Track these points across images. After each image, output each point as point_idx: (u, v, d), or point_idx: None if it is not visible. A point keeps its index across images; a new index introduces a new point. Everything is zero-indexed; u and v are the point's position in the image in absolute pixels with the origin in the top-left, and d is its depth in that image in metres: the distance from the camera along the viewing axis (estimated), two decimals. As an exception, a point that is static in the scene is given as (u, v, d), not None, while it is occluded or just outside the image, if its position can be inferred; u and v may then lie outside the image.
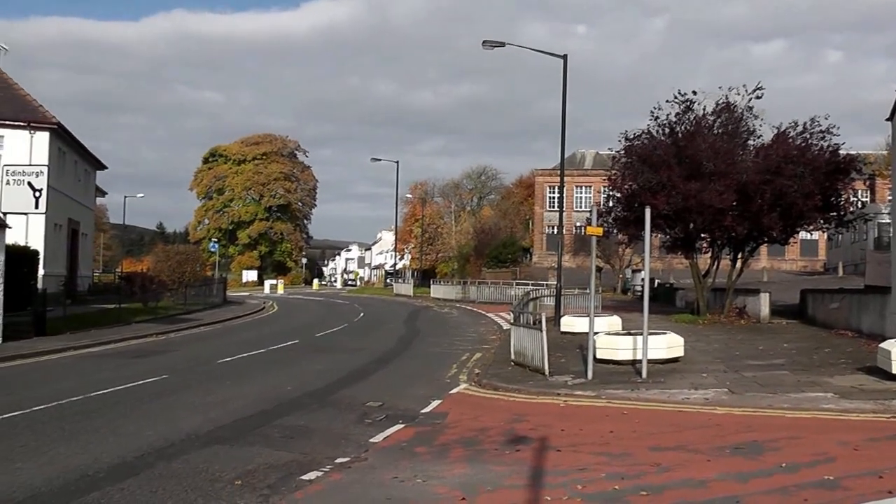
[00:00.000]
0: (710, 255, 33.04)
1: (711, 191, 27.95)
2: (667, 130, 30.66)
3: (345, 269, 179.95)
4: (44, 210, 30.53)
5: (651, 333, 18.58)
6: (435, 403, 15.62)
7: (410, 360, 23.64)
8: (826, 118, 29.71)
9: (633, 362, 18.76)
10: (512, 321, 23.94)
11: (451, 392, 17.21)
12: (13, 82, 45.05)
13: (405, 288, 78.53)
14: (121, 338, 28.75)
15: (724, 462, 10.31)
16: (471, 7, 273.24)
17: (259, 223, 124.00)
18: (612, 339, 20.03)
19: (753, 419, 13.35)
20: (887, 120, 25.20)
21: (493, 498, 8.89)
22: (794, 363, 19.38)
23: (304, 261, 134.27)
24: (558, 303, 34.07)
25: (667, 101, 30.86)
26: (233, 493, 9.16)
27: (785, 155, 28.43)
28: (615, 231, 34.88)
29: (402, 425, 13.33)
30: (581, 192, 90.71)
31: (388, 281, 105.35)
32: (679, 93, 30.67)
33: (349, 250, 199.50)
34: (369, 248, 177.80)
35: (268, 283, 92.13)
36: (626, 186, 31.40)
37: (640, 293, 53.27)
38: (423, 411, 14.79)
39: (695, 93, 30.64)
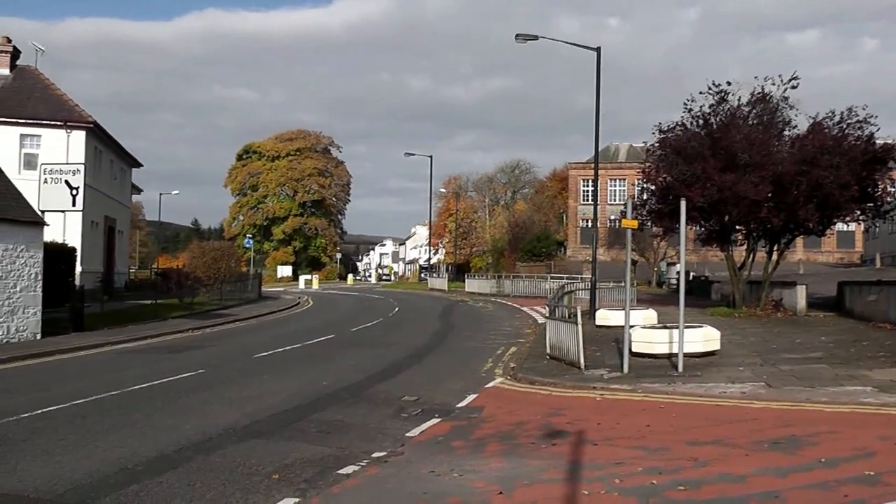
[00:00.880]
0: (745, 247, 32.77)
1: (746, 182, 27.72)
2: (701, 122, 30.43)
3: (379, 264, 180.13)
4: (81, 208, 30.90)
5: (687, 327, 18.49)
6: (471, 398, 15.63)
7: (445, 354, 23.64)
8: (864, 108, 29.37)
9: (669, 356, 18.67)
10: (547, 315, 23.89)
11: (487, 386, 17.22)
12: (50, 83, 45.56)
13: (439, 282, 78.52)
14: (157, 333, 28.96)
15: (762, 457, 10.22)
16: (503, 1, 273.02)
17: (293, 219, 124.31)
18: (647, 333, 19.92)
19: (791, 413, 13.23)
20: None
21: (531, 492, 8.87)
22: (831, 356, 19.17)
23: (339, 256, 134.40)
24: (593, 296, 33.92)
25: (700, 93, 30.63)
26: (270, 487, 9.20)
27: (821, 145, 28.14)
28: (650, 224, 34.68)
29: (438, 419, 13.35)
30: (615, 185, 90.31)
31: (422, 275, 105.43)
32: (713, 84, 30.45)
33: (383, 245, 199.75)
34: (403, 243, 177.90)
35: (302, 278, 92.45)
36: (660, 179, 31.20)
37: (675, 286, 53.07)
38: (459, 405, 14.79)
39: (729, 84, 30.42)
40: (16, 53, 46.17)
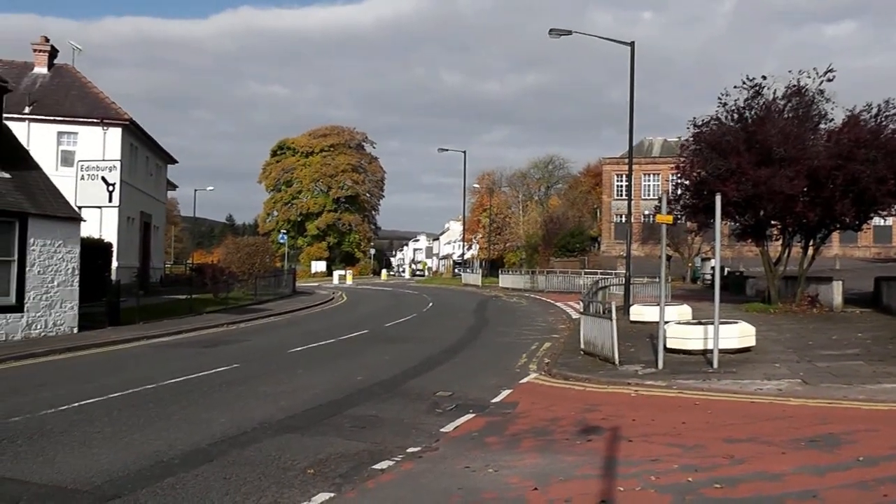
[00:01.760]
0: (780, 242, 32.56)
1: (782, 177, 27.51)
2: (735, 116, 30.23)
3: (413, 260, 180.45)
4: (117, 204, 31.17)
5: (722, 322, 18.40)
6: (505, 393, 15.63)
7: (480, 349, 23.64)
8: None
9: (704, 352, 18.59)
10: (581, 310, 23.85)
11: (521, 382, 17.20)
12: (87, 81, 46.15)
13: (473, 278, 78.52)
14: (192, 328, 29.16)
15: (799, 455, 10.14)
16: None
17: (327, 214, 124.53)
18: (682, 329, 19.84)
19: (828, 411, 13.13)
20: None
21: (566, 488, 8.84)
22: (869, 353, 19.01)
23: (373, 251, 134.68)
24: (627, 292, 33.86)
25: (734, 87, 30.43)
26: (305, 482, 9.23)
27: (857, 139, 27.86)
28: (684, 219, 34.52)
29: (473, 415, 13.35)
30: (649, 180, 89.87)
31: (456, 271, 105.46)
32: (747, 78, 30.23)
33: (417, 240, 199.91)
34: (437, 239, 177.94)
35: (336, 273, 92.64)
36: (694, 174, 31.03)
37: (709, 282, 52.84)
38: (494, 401, 14.79)
39: (764, 77, 30.19)
40: (53, 52, 46.87)
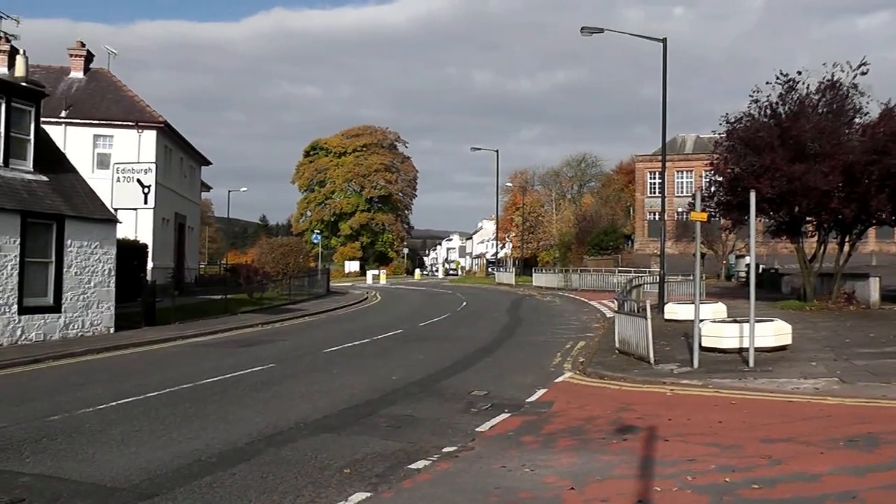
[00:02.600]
0: (816, 238, 32.34)
1: (816, 172, 27.31)
2: (769, 112, 30.04)
3: (446, 259, 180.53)
4: (152, 205, 31.41)
5: (757, 320, 18.28)
6: (540, 392, 15.61)
7: (514, 348, 23.62)
8: None
9: (740, 350, 18.49)
10: (615, 309, 23.78)
11: (556, 381, 17.17)
12: (122, 84, 46.65)
13: (507, 277, 78.42)
14: (227, 327, 29.33)
15: (837, 455, 10.05)
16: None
17: (361, 214, 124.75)
18: (717, 327, 19.73)
19: (867, 410, 13.01)
20: None
21: (603, 488, 8.82)
22: (907, 351, 18.85)
23: (406, 251, 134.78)
24: (662, 290, 33.72)
25: (767, 83, 30.25)
26: (342, 482, 9.25)
27: (893, 133, 27.61)
28: (718, 216, 34.33)
29: (508, 414, 13.35)
30: (682, 178, 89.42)
31: (489, 270, 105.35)
32: (781, 73, 30.04)
33: (450, 240, 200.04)
34: (470, 238, 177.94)
35: (370, 273, 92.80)
36: (728, 170, 30.86)
37: (744, 279, 52.51)
38: (529, 400, 14.77)
39: (799, 73, 29.97)
40: (89, 57, 47.44)
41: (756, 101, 30.30)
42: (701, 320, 18.77)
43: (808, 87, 29.83)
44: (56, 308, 24.34)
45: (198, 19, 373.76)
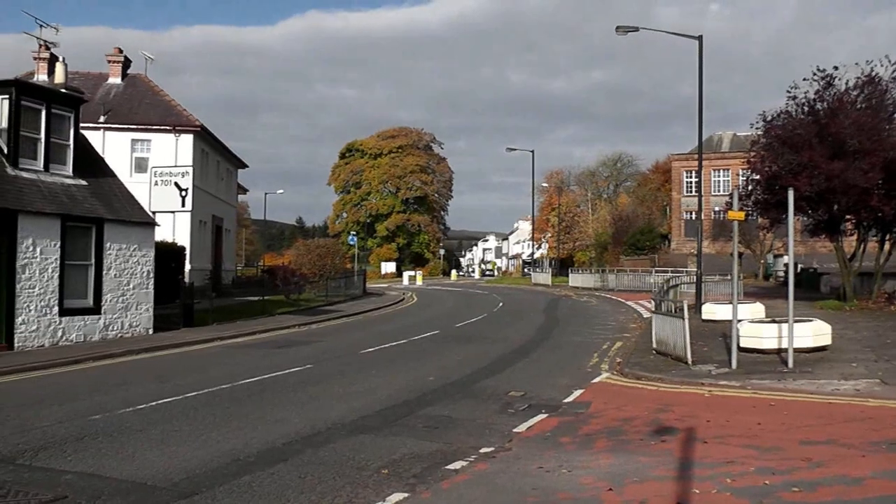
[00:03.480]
0: (855, 237, 32.01)
1: (856, 169, 27.04)
2: (806, 109, 29.77)
3: (482, 260, 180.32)
4: (189, 208, 31.66)
5: (796, 321, 18.12)
6: (577, 393, 15.58)
7: (551, 349, 23.58)
8: None
9: (779, 351, 18.34)
10: (653, 309, 23.69)
11: (593, 381, 17.13)
12: (159, 89, 47.11)
13: (543, 277, 78.32)
14: (265, 329, 29.47)
15: (880, 458, 9.94)
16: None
17: (396, 215, 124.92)
18: (755, 327, 19.58)
19: (909, 412, 12.88)
20: None
21: (641, 489, 8.79)
22: (950, 351, 18.63)
23: (442, 252, 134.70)
24: (699, 290, 33.51)
25: (804, 79, 29.96)
26: (380, 482, 9.29)
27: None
28: (755, 215, 34.06)
29: (546, 415, 13.34)
30: (719, 176, 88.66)
31: (525, 270, 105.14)
32: (818, 69, 29.75)
33: (486, 240, 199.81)
34: (506, 238, 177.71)
35: (406, 274, 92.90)
36: (765, 168, 30.61)
37: (782, 279, 52.12)
38: (566, 401, 14.75)
39: (836, 68, 29.68)
40: (127, 63, 48.00)
41: (794, 98, 30.05)
42: (739, 320, 18.66)
43: (846, 83, 29.55)
44: (96, 310, 24.60)
45: (233, 23, 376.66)
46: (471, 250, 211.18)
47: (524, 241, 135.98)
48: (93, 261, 24.58)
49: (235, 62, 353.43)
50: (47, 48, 34.48)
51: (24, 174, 23.27)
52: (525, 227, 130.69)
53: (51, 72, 36.52)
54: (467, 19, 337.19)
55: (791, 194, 18.17)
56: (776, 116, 30.52)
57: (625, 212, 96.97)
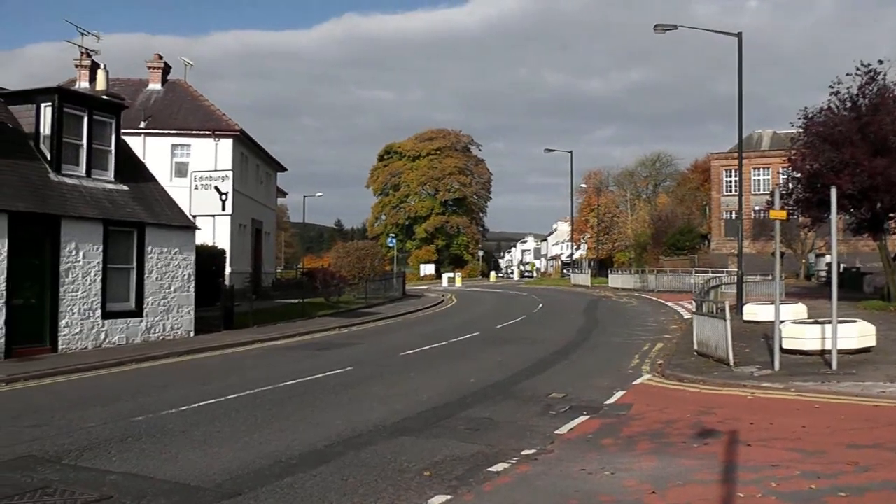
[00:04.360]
0: (899, 235, 31.66)
1: (899, 166, 26.73)
2: (848, 105, 29.45)
3: (521, 261, 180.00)
4: (229, 212, 31.87)
5: (840, 321, 17.89)
6: (618, 394, 15.52)
7: (591, 350, 23.51)
8: None
9: (822, 352, 18.15)
10: (693, 310, 23.54)
11: (635, 383, 17.07)
12: (198, 94, 47.58)
13: (582, 278, 78.14)
14: (305, 331, 29.58)
15: (929, 462, 9.78)
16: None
17: (435, 217, 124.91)
18: (798, 328, 19.39)
19: (958, 415, 12.69)
20: None
21: (684, 493, 8.72)
22: None
23: (481, 253, 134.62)
24: (740, 290, 33.28)
25: (847, 74, 29.65)
26: (422, 484, 9.28)
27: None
28: (796, 214, 33.74)
29: (587, 417, 13.29)
30: (759, 175, 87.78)
31: (564, 272, 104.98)
32: (862, 64, 29.42)
33: (525, 242, 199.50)
34: (545, 239, 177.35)
35: (445, 276, 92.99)
36: (806, 166, 30.34)
37: (824, 279, 51.72)
38: (607, 403, 14.69)
39: (880, 62, 29.33)
40: (166, 69, 48.61)
41: (836, 94, 29.75)
42: (781, 321, 18.47)
43: (884, 77, 29.19)
44: (138, 312, 24.81)
45: (270, 28, 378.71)
46: (510, 252, 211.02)
47: (563, 242, 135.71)
48: (135, 264, 24.80)
49: (273, 66, 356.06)
50: (88, 56, 34.83)
51: (67, 180, 23.53)
52: (564, 228, 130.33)
53: (92, 79, 36.89)
54: (503, 20, 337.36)
55: (834, 193, 17.93)
56: (817, 113, 30.26)
57: (664, 212, 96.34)
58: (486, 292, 68.25)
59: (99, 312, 23.41)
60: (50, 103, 23.64)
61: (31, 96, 24.13)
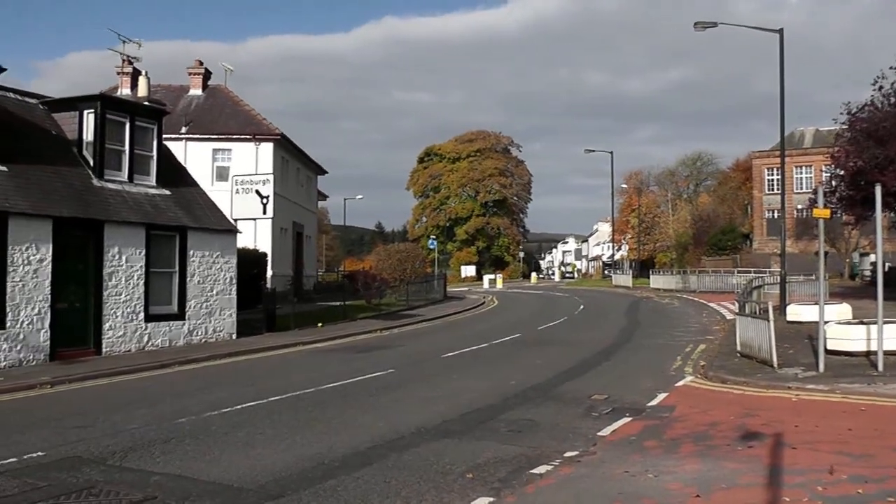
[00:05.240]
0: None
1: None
2: (892, 100, 29.07)
3: (562, 262, 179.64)
4: (271, 215, 32.03)
5: (886, 322, 17.61)
6: (661, 396, 15.43)
7: (633, 352, 23.40)
8: None
9: (867, 354, 17.93)
10: (736, 311, 23.35)
11: (677, 385, 16.96)
12: (239, 99, 47.98)
13: (624, 279, 77.76)
14: (346, 333, 29.67)
15: (981, 467, 9.62)
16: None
17: (476, 219, 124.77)
18: (842, 329, 19.15)
19: None
20: None
21: (729, 496, 8.64)
22: None
23: (522, 255, 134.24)
24: (783, 290, 32.95)
25: (890, 68, 29.26)
26: (464, 486, 9.27)
27: None
28: (840, 212, 33.34)
29: (630, 419, 13.22)
30: (801, 173, 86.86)
31: (605, 272, 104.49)
32: (905, 56, 29.04)
33: (565, 243, 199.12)
34: (586, 240, 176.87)
35: (486, 277, 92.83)
36: (850, 164, 29.98)
37: (869, 278, 51.09)
38: (650, 404, 14.61)
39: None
40: (207, 74, 49.09)
41: (879, 89, 29.37)
42: (825, 322, 18.26)
43: None
44: (180, 315, 24.99)
45: (309, 32, 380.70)
46: (550, 253, 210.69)
47: (604, 243, 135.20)
48: (177, 268, 24.99)
49: (312, 70, 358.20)
50: (130, 63, 35.13)
51: (110, 185, 23.76)
52: (605, 229, 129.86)
53: (134, 85, 37.20)
54: (542, 21, 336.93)
55: (878, 190, 17.66)
56: (860, 108, 29.89)
57: (705, 211, 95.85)
58: (527, 294, 68.07)
59: (142, 315, 23.60)
60: (93, 110, 23.92)
61: (75, 103, 24.43)
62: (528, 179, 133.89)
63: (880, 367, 16.58)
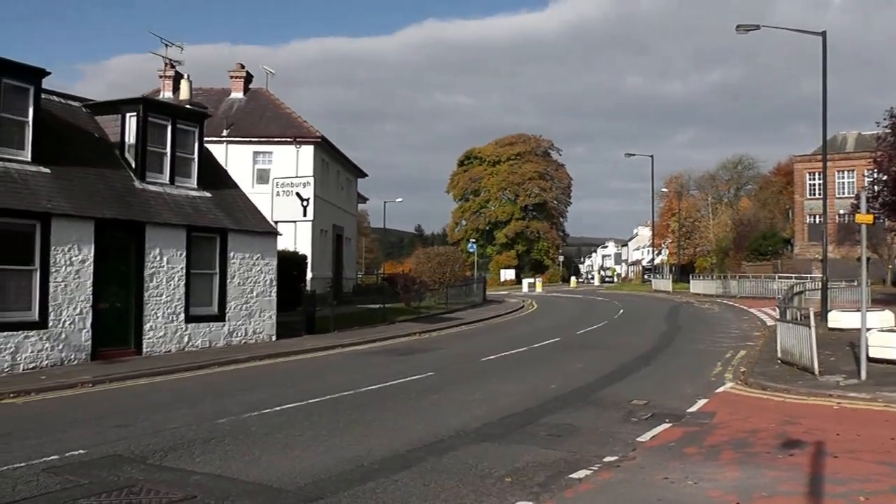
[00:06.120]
0: None
1: None
2: (937, 104, 28.75)
3: (601, 266, 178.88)
4: (311, 218, 32.11)
5: (930, 329, 17.47)
6: (701, 402, 15.34)
7: (673, 357, 23.29)
8: None
9: (911, 361, 17.73)
10: (777, 317, 23.16)
11: (717, 391, 16.86)
12: (279, 102, 48.27)
13: (663, 283, 77.34)
14: (385, 336, 29.70)
15: None
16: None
17: (515, 223, 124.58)
18: (885, 337, 18.96)
19: None
20: None
21: (769, 505, 8.58)
22: None
23: (561, 259, 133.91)
24: (824, 297, 32.63)
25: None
26: (503, 490, 9.26)
27: None
28: (882, 218, 32.97)
29: (669, 424, 13.16)
30: (843, 178, 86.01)
31: (645, 277, 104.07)
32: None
33: (605, 247, 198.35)
34: (625, 244, 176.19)
35: (526, 281, 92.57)
36: (892, 168, 29.70)
37: (913, 285, 50.41)
38: (690, 410, 14.54)
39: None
40: (248, 78, 49.48)
41: (923, 93, 29.07)
42: (868, 329, 18.07)
43: None
44: (220, 317, 25.14)
45: (350, 35, 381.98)
46: (590, 257, 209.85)
47: (644, 248, 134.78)
48: (217, 269, 25.14)
49: (353, 72, 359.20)
50: (172, 66, 35.42)
51: (151, 187, 23.95)
52: (645, 233, 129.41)
53: (176, 89, 37.55)
54: (583, 24, 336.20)
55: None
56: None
57: (746, 216, 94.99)
58: (566, 298, 67.90)
59: (182, 316, 23.76)
60: (135, 113, 24.11)
61: (117, 107, 24.65)
62: (567, 183, 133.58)
63: (924, 376, 16.39)
